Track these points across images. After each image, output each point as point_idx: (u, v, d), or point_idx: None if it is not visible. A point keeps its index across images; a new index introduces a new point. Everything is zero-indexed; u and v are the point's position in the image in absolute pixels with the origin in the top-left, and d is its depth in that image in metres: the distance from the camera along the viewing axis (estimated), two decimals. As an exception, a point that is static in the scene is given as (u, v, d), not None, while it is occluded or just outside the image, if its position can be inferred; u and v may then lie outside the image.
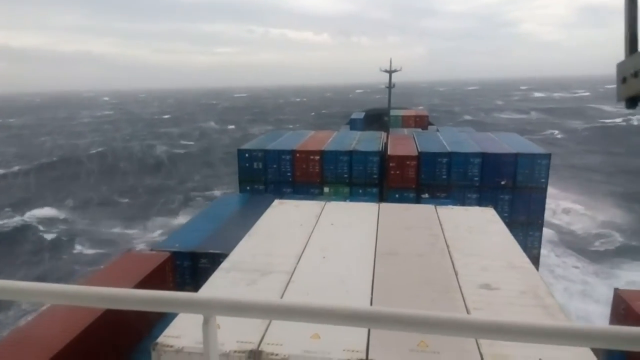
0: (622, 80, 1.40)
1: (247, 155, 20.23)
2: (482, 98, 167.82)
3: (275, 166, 19.88)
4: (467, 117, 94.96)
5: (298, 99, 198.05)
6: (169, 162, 61.35)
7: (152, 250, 12.90)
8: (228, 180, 46.33)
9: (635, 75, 1.35)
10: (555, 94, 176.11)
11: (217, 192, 43.90)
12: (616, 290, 8.96)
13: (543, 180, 18.22)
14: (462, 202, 17.67)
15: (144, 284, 8.94)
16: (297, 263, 7.49)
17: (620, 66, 1.43)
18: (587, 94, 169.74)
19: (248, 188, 20.18)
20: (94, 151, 66.90)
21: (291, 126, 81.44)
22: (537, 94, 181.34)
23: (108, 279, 9.08)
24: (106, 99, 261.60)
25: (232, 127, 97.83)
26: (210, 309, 1.72)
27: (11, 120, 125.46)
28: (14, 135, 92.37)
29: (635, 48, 1.41)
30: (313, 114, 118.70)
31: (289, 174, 19.86)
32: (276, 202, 10.99)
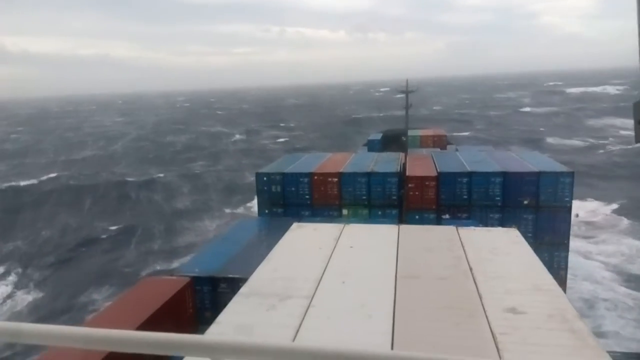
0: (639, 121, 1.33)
1: (265, 178, 20.35)
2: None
3: (293, 189, 19.92)
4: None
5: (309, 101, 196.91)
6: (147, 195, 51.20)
7: (172, 275, 12.96)
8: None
9: None
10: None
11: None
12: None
13: (567, 199, 17.77)
14: (484, 222, 17.32)
15: (164, 310, 8.95)
16: (317, 287, 7.39)
17: (637, 106, 1.36)
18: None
19: (267, 211, 20.22)
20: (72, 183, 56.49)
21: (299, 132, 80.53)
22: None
23: (128, 306, 9.11)
24: (120, 102, 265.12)
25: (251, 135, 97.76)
26: (218, 353, 1.66)
27: (14, 136, 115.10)
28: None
29: None
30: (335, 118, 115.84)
31: (307, 196, 19.86)
32: (295, 225, 10.94)
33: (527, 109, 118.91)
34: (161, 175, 61.18)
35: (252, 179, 20.87)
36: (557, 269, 17.34)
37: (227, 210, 45.25)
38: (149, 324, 8.98)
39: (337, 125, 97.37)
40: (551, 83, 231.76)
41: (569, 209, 17.86)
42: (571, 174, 17.96)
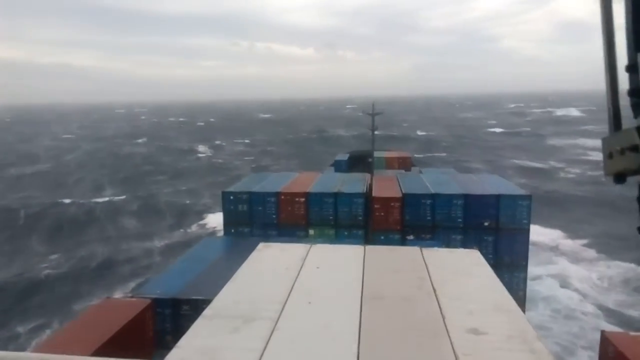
0: (609, 155, 1.43)
1: (232, 197, 20.17)
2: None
3: (260, 208, 19.82)
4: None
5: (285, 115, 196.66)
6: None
7: (132, 296, 12.51)
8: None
9: (621, 152, 1.39)
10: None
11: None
12: (603, 332, 8.92)
13: (525, 221, 18.45)
14: (447, 243, 17.70)
15: (121, 334, 8.62)
16: (282, 309, 7.33)
17: (605, 141, 1.47)
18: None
19: (233, 231, 19.98)
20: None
21: (269, 148, 79.42)
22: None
23: (84, 329, 8.73)
24: (80, 112, 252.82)
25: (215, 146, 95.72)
26: None
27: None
28: None
29: (619, 124, 1.46)
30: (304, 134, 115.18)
31: (274, 216, 19.79)
32: (261, 245, 10.86)
33: (491, 130, 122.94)
34: (112, 191, 57.87)
35: (208, 200, 20.34)
36: (517, 289, 17.86)
37: (179, 231, 43.06)
38: (105, 349, 8.61)
39: (305, 142, 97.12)
40: (512, 105, 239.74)
41: (527, 231, 18.52)
42: (529, 197, 18.71)
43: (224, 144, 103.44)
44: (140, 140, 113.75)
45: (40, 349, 10.08)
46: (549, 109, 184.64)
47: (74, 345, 8.61)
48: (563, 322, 25.04)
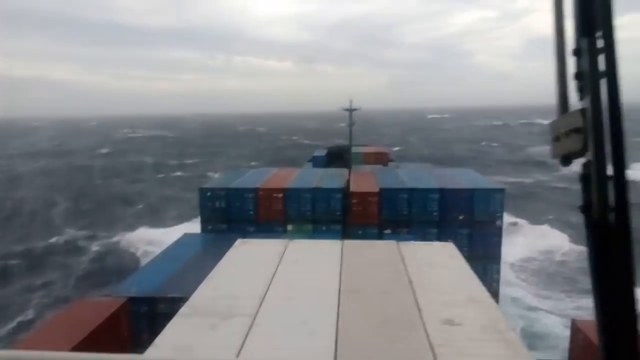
0: (556, 138, 1.51)
1: (209, 194, 19.97)
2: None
3: (238, 205, 19.69)
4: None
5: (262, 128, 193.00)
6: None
7: (107, 295, 12.31)
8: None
9: (566, 135, 1.46)
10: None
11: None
12: (574, 320, 9.24)
13: (498, 214, 18.88)
14: (423, 237, 17.96)
15: (97, 333, 8.48)
16: (261, 305, 7.34)
17: (552, 125, 1.55)
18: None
19: (210, 227, 19.80)
20: None
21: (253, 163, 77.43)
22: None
23: (59, 329, 8.55)
24: (52, 125, 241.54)
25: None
26: None
27: None
28: None
29: (566, 108, 1.53)
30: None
31: (252, 212, 19.69)
32: (239, 241, 10.83)
33: (466, 144, 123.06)
34: (65, 206, 53.25)
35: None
36: (490, 281, 18.28)
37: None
38: (81, 348, 8.47)
39: (281, 155, 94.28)
40: (483, 118, 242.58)
41: (500, 224, 18.96)
42: (502, 191, 19.14)
43: (195, 158, 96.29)
44: (103, 151, 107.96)
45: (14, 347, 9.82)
46: (522, 121, 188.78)
47: (48, 346, 8.44)
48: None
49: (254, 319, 6.88)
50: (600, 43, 1.35)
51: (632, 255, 1.27)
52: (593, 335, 8.12)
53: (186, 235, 19.17)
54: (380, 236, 18.52)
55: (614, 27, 1.32)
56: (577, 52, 1.42)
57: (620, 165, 1.29)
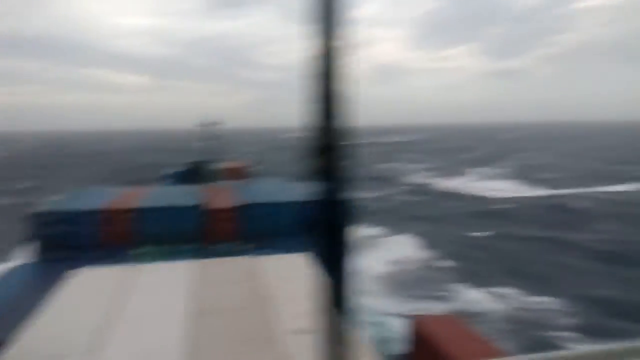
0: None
1: (42, 219, 17.53)
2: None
3: (77, 229, 17.65)
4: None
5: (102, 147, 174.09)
6: None
7: None
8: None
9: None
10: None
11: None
12: (413, 317, 10.28)
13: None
14: (285, 249, 18.29)
15: None
16: (101, 341, 6.69)
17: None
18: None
19: (43, 257, 17.35)
20: None
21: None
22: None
23: None
24: None
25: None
26: None
27: None
28: None
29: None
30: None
31: (95, 236, 17.84)
32: (77, 271, 9.74)
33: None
34: None
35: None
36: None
37: None
38: None
39: (133, 176, 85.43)
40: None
41: (355, 230, 20.34)
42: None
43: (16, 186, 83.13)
44: None
45: None
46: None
47: None
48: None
49: (93, 357, 6.25)
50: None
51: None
52: (425, 328, 9.11)
53: (10, 269, 16.50)
54: (239, 252, 18.35)
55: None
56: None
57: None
